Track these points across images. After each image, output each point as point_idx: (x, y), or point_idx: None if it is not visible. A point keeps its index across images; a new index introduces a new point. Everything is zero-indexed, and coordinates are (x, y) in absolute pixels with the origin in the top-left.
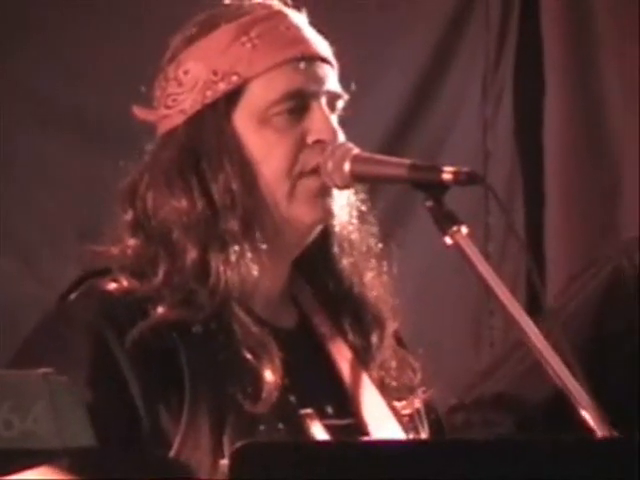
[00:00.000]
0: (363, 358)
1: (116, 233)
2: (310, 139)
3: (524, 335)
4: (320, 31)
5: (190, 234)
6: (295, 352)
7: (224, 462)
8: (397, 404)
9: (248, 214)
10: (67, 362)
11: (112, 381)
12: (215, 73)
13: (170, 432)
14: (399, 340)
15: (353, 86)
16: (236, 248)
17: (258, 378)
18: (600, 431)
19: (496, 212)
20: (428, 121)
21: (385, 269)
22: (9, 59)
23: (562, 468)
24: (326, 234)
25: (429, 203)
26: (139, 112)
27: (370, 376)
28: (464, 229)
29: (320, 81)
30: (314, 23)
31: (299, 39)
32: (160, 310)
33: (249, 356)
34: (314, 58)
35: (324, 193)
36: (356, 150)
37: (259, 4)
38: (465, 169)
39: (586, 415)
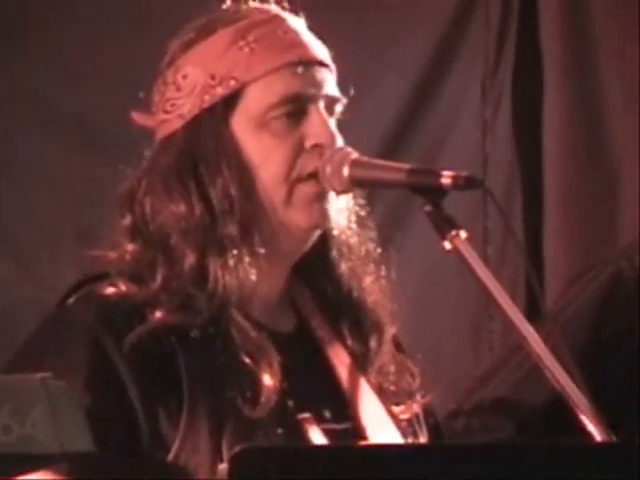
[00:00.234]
0: (361, 363)
1: (114, 238)
2: (308, 143)
3: (523, 339)
4: (318, 34)
5: (188, 239)
6: (293, 356)
7: (223, 466)
8: (396, 409)
9: (246, 219)
10: (65, 366)
11: (110, 385)
12: (213, 77)
13: (169, 436)
14: (398, 345)
15: (352, 89)
16: (234, 253)
17: (256, 382)
18: (599, 435)
19: (495, 215)
20: (428, 122)
21: (384, 274)
22: (9, 59)
23: (561, 472)
24: (325, 239)
25: (428, 208)
26: (138, 117)
27: (368, 381)
28: (463, 234)
29: (318, 85)
30: (313, 25)
31: (297, 43)
32: (158, 315)
33: (247, 360)
34: (312, 62)
35: (321, 198)
36: (355, 154)
37: (257, 8)
38: (464, 173)
39: (585, 419)
